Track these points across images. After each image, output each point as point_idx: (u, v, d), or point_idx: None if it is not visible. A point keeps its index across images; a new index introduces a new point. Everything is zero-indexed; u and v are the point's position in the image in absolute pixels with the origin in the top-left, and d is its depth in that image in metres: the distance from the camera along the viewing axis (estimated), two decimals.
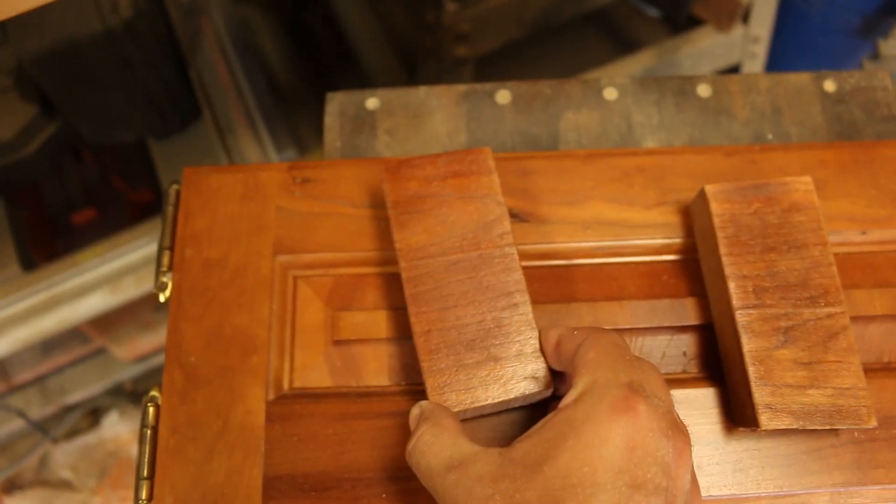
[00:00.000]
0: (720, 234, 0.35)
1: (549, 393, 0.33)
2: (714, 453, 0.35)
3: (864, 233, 0.38)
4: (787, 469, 0.35)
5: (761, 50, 0.83)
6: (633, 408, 0.27)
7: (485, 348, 0.33)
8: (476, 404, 0.32)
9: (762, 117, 0.42)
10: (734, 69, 0.87)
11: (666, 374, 0.36)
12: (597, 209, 0.38)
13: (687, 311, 0.37)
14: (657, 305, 0.37)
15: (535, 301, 0.37)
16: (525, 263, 0.38)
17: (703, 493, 0.34)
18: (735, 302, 0.34)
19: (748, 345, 0.33)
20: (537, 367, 0.33)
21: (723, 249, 0.35)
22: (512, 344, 0.33)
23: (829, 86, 0.43)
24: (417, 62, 0.78)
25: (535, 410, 0.35)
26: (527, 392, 0.33)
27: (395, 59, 0.82)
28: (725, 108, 0.43)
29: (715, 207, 0.35)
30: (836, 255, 0.38)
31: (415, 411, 0.32)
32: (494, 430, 0.35)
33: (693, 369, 0.37)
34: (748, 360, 0.33)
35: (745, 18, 0.83)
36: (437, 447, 0.29)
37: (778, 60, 0.90)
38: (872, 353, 0.37)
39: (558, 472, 0.26)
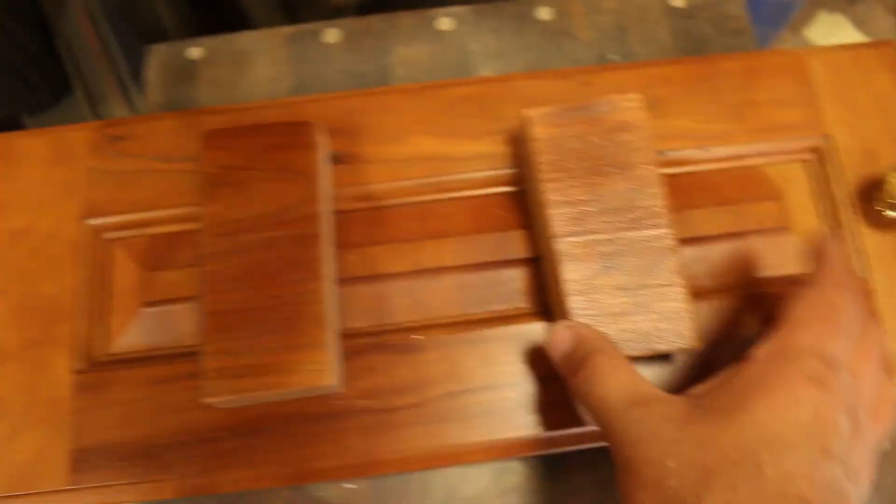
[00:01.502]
0: (540, 160, 0.33)
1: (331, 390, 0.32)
2: (548, 390, 0.34)
3: (704, 150, 0.37)
4: None
5: None
6: (826, 384, 0.26)
7: (276, 332, 0.31)
8: (244, 393, 0.31)
9: (606, 38, 0.41)
10: None
11: (495, 310, 0.35)
12: (421, 144, 0.37)
13: (516, 245, 0.36)
14: (485, 240, 0.36)
15: (356, 245, 0.36)
16: (345, 207, 0.36)
17: (533, 430, 0.33)
18: (554, 230, 0.33)
19: (567, 274, 0.32)
20: (326, 358, 0.31)
21: (542, 175, 0.33)
22: (303, 330, 0.31)
23: (677, 1, 0.42)
24: (299, 15, 0.76)
25: None
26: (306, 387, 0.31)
27: (283, 14, 0.79)
28: (567, 31, 0.41)
29: (535, 132, 0.34)
30: (676, 175, 0.37)
31: (564, 333, 0.31)
32: None
33: (524, 304, 0.35)
34: (567, 290, 0.32)
35: None
36: (616, 380, 0.29)
37: None
38: (713, 275, 0.36)
39: (754, 423, 0.25)
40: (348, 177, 0.36)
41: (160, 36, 0.43)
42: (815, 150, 0.38)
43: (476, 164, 0.36)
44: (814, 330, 0.28)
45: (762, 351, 0.28)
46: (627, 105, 0.34)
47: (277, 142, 0.34)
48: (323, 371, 0.31)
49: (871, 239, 0.37)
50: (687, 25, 0.41)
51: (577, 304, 0.32)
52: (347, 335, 0.34)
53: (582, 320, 0.32)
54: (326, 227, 0.34)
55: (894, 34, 1.39)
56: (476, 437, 0.34)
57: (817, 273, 0.30)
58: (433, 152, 0.36)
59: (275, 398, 0.32)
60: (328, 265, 0.33)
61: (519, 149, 0.36)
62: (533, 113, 0.34)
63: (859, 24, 1.34)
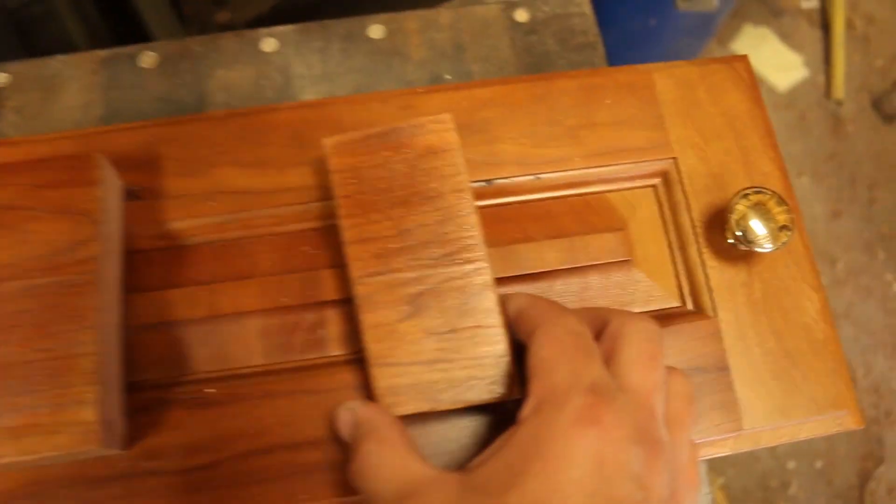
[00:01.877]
0: (338, 194, 0.31)
1: None
2: None
3: (537, 177, 0.34)
4: (461, 454, 0.31)
5: None
6: (598, 418, 0.24)
7: (41, 389, 0.28)
8: (3, 459, 0.27)
9: (441, 56, 0.38)
10: None
11: (303, 360, 0.32)
12: (223, 177, 0.34)
13: (326, 285, 0.32)
14: (291, 280, 0.33)
15: (149, 288, 0.33)
16: (141, 246, 0.33)
17: (340, 496, 0.30)
18: (354, 272, 0.30)
19: (367, 320, 0.29)
20: (92, 417, 0.28)
21: (341, 211, 0.30)
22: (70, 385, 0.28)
23: (521, 15, 0.39)
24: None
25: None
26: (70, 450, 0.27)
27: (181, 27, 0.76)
28: (399, 50, 0.38)
29: (334, 163, 0.31)
30: (505, 205, 0.34)
31: (345, 416, 0.29)
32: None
33: (336, 351, 0.32)
34: (367, 337, 0.29)
35: None
36: (385, 470, 0.27)
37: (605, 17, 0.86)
38: None
39: (526, 502, 0.23)
40: (144, 214, 0.33)
41: None
42: (661, 174, 0.35)
43: (284, 198, 0.33)
44: (563, 364, 0.26)
45: (527, 409, 0.25)
46: (435, 127, 0.31)
47: (54, 178, 0.31)
48: (89, 432, 0.28)
49: (716, 272, 0.34)
50: (530, 41, 0.39)
51: (378, 352, 0.29)
52: (134, 388, 0.31)
53: (386, 370, 0.29)
54: (110, 271, 0.31)
55: (820, 46, 1.37)
56: (280, 499, 0.30)
57: (535, 317, 0.28)
58: (236, 186, 0.33)
59: (45, 462, 0.29)
60: (107, 313, 0.30)
61: (325, 180, 0.33)
62: (329, 142, 0.31)
63: (784, 36, 1.33)
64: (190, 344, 0.32)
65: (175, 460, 0.31)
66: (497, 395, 0.29)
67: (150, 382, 0.32)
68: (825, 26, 1.38)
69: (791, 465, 1.22)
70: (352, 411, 0.29)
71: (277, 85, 0.37)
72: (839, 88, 1.35)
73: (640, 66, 0.36)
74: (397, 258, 0.30)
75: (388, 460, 0.27)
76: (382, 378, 0.29)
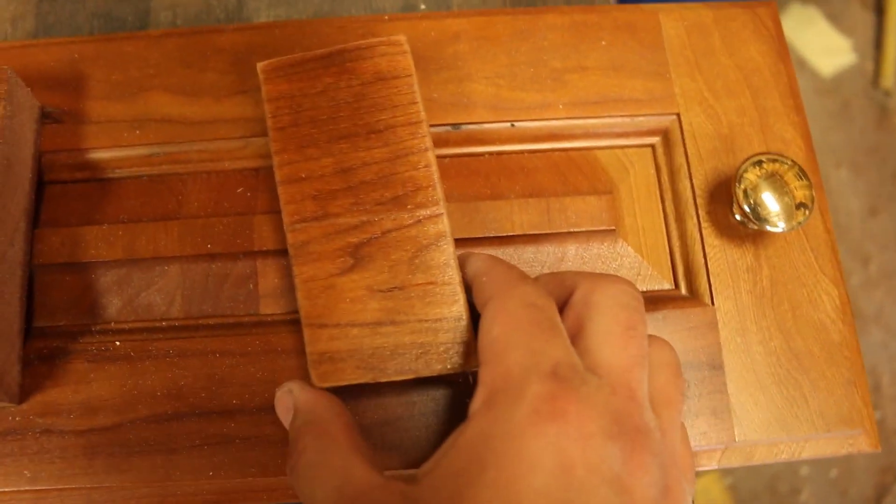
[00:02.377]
0: (271, 126, 0.26)
1: None
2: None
3: (512, 125, 0.30)
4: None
5: None
6: (562, 410, 0.20)
7: None
8: None
9: None
10: None
11: (229, 316, 0.28)
12: (154, 103, 0.30)
13: (260, 232, 0.28)
14: (220, 225, 0.28)
15: (61, 224, 0.29)
16: (55, 176, 0.29)
17: (260, 473, 0.27)
18: (287, 216, 0.26)
19: (301, 273, 0.25)
20: None
21: (274, 146, 0.26)
22: None
23: None
24: None
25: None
26: None
27: None
28: None
29: (267, 90, 0.27)
30: (474, 155, 0.30)
31: (284, 399, 0.25)
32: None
33: (268, 308, 0.28)
34: (301, 293, 0.25)
35: None
36: (322, 472, 0.22)
37: None
38: None
39: None
40: (63, 139, 0.29)
41: None
42: (660, 132, 0.31)
43: (219, 131, 0.29)
44: (518, 345, 0.21)
45: (477, 401, 0.21)
46: (386, 49, 0.27)
47: None
48: None
49: (717, 252, 0.29)
50: None
51: (312, 310, 0.25)
52: (35, 335, 0.28)
53: (320, 332, 0.25)
54: (12, 200, 0.27)
55: (871, 30, 1.29)
56: (187, 473, 0.27)
57: (489, 285, 0.24)
58: (168, 114, 0.29)
59: None
60: (4, 247, 0.26)
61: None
62: (263, 66, 0.27)
63: (833, 18, 1.25)
64: (102, 289, 0.28)
65: (73, 419, 0.27)
66: (452, 366, 0.25)
67: (54, 329, 0.28)
68: (879, 9, 1.30)
69: (804, 471, 1.17)
70: (290, 394, 0.25)
71: (230, 6, 0.33)
72: (889, 77, 1.27)
73: (646, 6, 0.31)
74: (337, 201, 0.26)
75: (327, 460, 0.22)
76: (316, 341, 0.25)
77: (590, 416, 0.20)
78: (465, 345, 0.25)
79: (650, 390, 0.22)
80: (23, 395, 0.27)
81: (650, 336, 0.24)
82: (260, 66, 0.27)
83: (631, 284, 0.24)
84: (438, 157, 0.29)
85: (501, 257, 0.28)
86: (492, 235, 0.29)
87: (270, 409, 0.27)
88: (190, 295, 0.28)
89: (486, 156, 0.30)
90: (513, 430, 0.20)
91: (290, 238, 0.26)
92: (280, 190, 0.26)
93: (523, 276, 0.24)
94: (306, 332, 0.25)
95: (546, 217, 0.29)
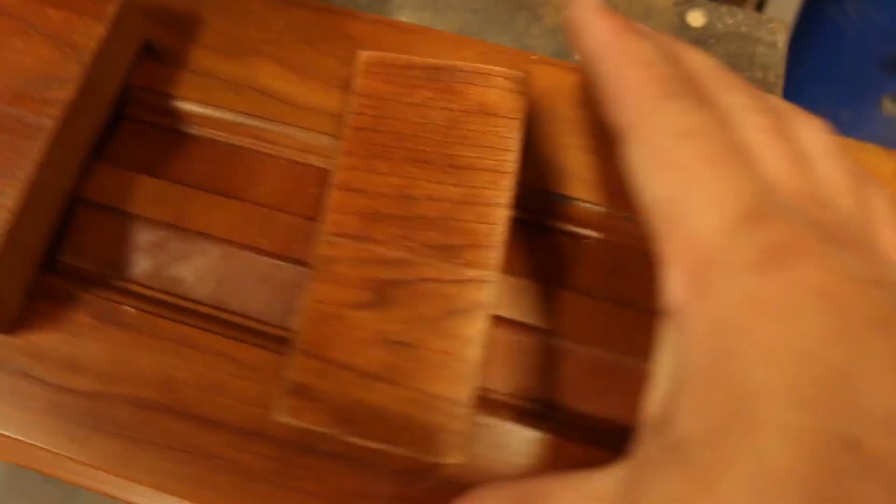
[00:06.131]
0: (351, 123, 0.24)
1: None
2: (269, 448, 0.24)
3: (629, 219, 0.26)
4: None
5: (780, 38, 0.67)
6: (786, 250, 0.16)
7: None
8: None
9: None
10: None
11: (250, 320, 0.26)
12: (261, 71, 0.28)
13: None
14: (280, 221, 0.26)
15: (120, 164, 0.27)
16: (134, 114, 0.28)
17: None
18: (326, 224, 0.23)
19: (315, 290, 0.22)
20: None
21: (343, 145, 0.24)
22: None
23: (696, 18, 0.31)
24: None
25: None
26: None
27: None
28: (532, 7, 0.31)
29: (362, 84, 0.24)
30: (570, 234, 0.26)
31: None
32: None
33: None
34: (305, 312, 0.22)
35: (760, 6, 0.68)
36: None
37: (796, 79, 0.73)
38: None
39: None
40: (156, 79, 0.28)
41: None
42: None
43: (315, 121, 0.27)
44: (700, 199, 0.17)
45: (676, 291, 0.17)
46: (501, 83, 0.24)
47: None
48: None
49: None
50: None
51: (310, 335, 0.22)
52: (56, 270, 0.26)
53: (309, 362, 0.22)
54: (81, 126, 0.26)
55: None
56: (142, 472, 0.24)
57: (619, 102, 0.19)
58: (272, 87, 0.27)
59: None
60: (53, 171, 0.25)
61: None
62: (364, 56, 0.24)
63: None
64: (136, 247, 0.26)
65: (54, 371, 0.25)
66: (429, 455, 0.21)
67: (74, 270, 0.26)
68: None
69: None
70: None
71: None
72: None
73: None
74: (385, 227, 0.23)
75: None
76: (301, 370, 0.22)
77: (811, 240, 0.16)
78: (456, 436, 0.21)
79: (823, 185, 0.19)
80: (15, 326, 0.25)
81: (793, 120, 0.20)
82: (363, 55, 0.24)
83: (739, 78, 0.20)
84: (521, 223, 0.26)
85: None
86: (539, 326, 0.25)
87: (258, 435, 0.24)
88: (223, 284, 0.26)
89: (584, 239, 0.26)
90: (751, 301, 0.16)
91: (318, 248, 0.23)
92: (331, 194, 0.23)
93: (666, 81, 0.18)
94: (294, 357, 0.22)
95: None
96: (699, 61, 0.21)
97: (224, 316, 0.26)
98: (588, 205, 0.26)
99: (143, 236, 0.27)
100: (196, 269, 0.26)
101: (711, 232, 0.16)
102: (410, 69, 0.24)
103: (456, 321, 0.22)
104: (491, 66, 0.24)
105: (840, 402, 0.15)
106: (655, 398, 0.17)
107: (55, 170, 0.25)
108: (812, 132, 0.20)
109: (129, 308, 0.25)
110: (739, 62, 0.30)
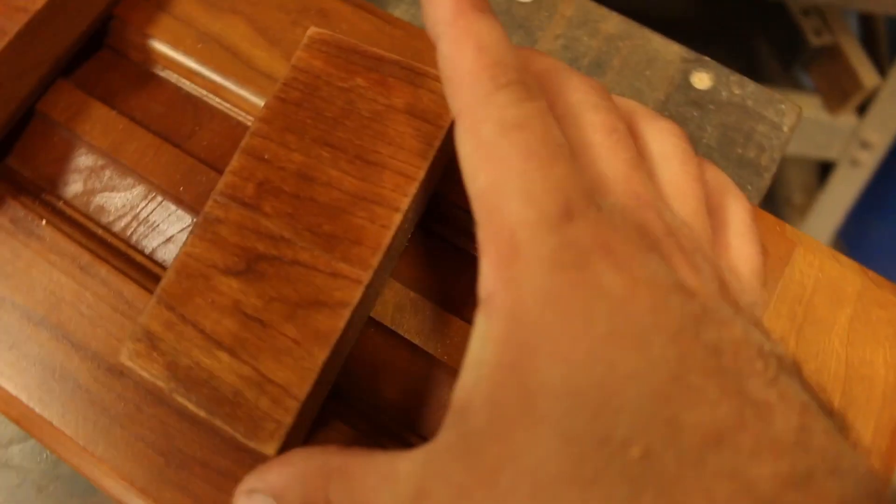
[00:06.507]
0: (276, 93, 0.23)
1: None
2: (127, 390, 0.24)
3: None
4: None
5: (869, 161, 0.63)
6: (587, 250, 0.16)
7: None
8: None
9: (573, 63, 0.29)
10: (826, 166, 0.68)
11: (155, 264, 0.26)
12: (232, 30, 0.28)
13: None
14: (203, 175, 0.26)
15: (85, 88, 0.28)
16: (113, 44, 0.29)
17: None
18: (221, 185, 0.23)
19: (190, 246, 0.22)
20: None
21: (262, 112, 0.23)
22: None
23: (701, 80, 0.29)
24: None
25: None
26: None
27: None
28: (539, 26, 0.30)
29: (299, 58, 0.24)
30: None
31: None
32: None
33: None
34: (174, 264, 0.22)
35: (862, 110, 0.64)
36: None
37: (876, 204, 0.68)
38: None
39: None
40: (136, 14, 0.28)
41: None
42: None
43: (270, 88, 0.27)
44: (512, 191, 0.17)
45: (487, 277, 0.17)
46: (436, 87, 0.23)
47: None
48: None
49: None
50: (686, 112, 0.28)
51: (172, 288, 0.22)
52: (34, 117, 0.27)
53: (164, 313, 0.21)
54: (51, 42, 0.27)
55: None
56: None
57: (450, 91, 0.18)
58: (238, 47, 0.28)
59: None
60: (16, 81, 0.26)
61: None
62: (313, 32, 0.24)
63: None
64: (73, 168, 0.27)
65: None
66: (247, 437, 0.21)
67: (10, 173, 0.27)
68: None
69: None
70: (257, 495, 0.20)
71: None
72: None
73: (788, 227, 0.25)
74: (277, 202, 0.22)
75: (351, 484, 0.18)
76: (153, 319, 0.21)
77: (617, 241, 0.16)
78: (278, 426, 0.20)
79: (661, 188, 0.20)
80: None
81: (642, 123, 0.21)
82: (311, 30, 0.24)
83: (589, 79, 0.20)
84: (435, 239, 0.25)
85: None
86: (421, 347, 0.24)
87: (122, 375, 0.24)
88: (137, 223, 0.27)
89: None
90: (546, 297, 0.16)
91: (207, 207, 0.22)
92: (236, 156, 0.23)
93: (499, 69, 0.18)
94: (151, 304, 0.22)
95: None
96: (550, 61, 0.21)
97: (129, 252, 0.26)
98: None
99: (83, 160, 0.27)
100: (117, 204, 0.27)
101: (520, 225, 0.16)
102: (352, 54, 0.24)
103: (315, 313, 0.21)
104: (430, 69, 0.23)
105: (610, 406, 0.15)
106: (460, 385, 0.17)
107: (9, 74, 0.26)
108: (661, 135, 0.20)
109: (43, 221, 0.26)
110: (734, 136, 0.28)
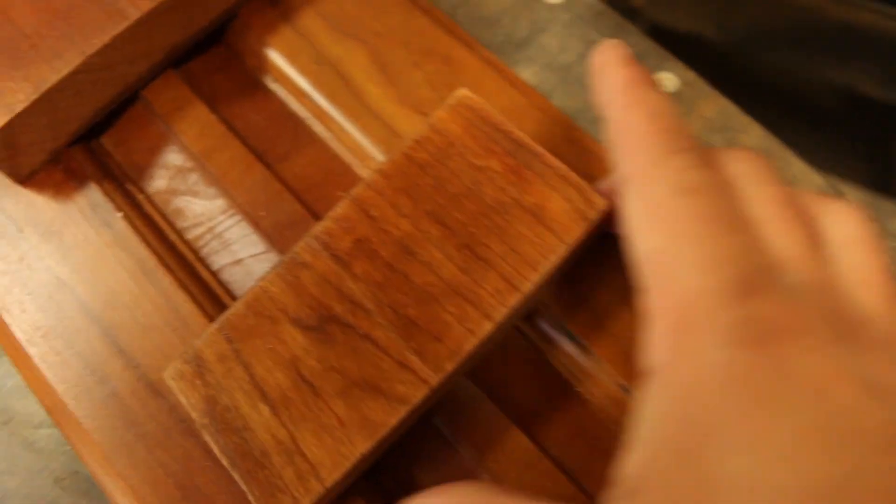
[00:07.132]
0: (405, 148, 0.22)
1: None
2: (160, 411, 0.23)
3: (623, 388, 0.23)
4: None
5: None
6: (773, 330, 0.15)
7: None
8: None
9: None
10: None
11: (228, 298, 0.25)
12: (350, 56, 0.27)
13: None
14: (297, 213, 0.25)
15: (194, 86, 0.27)
16: (231, 44, 0.28)
17: None
18: (319, 227, 0.21)
19: (268, 283, 0.21)
20: None
21: (383, 165, 0.22)
22: None
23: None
24: None
25: None
26: None
27: None
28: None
29: (440, 118, 0.22)
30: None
31: None
32: None
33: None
34: (246, 297, 0.21)
35: None
36: None
37: None
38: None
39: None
40: (258, 21, 0.27)
41: None
42: None
43: (375, 128, 0.26)
44: (688, 258, 0.16)
45: (658, 347, 0.16)
46: (572, 195, 0.21)
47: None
48: None
49: None
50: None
51: (237, 319, 0.20)
52: (84, 147, 0.26)
53: (221, 346, 0.20)
54: (168, 32, 0.26)
55: None
56: None
57: (621, 154, 0.18)
58: (351, 75, 0.26)
59: None
60: (115, 53, 0.25)
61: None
62: (462, 94, 0.22)
63: None
64: (160, 163, 0.26)
65: (31, 240, 0.25)
66: (263, 501, 0.19)
67: (101, 153, 0.27)
68: None
69: None
70: None
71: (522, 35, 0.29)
72: None
73: None
74: (369, 265, 0.21)
75: None
76: (209, 345, 0.20)
77: (808, 324, 0.15)
78: (293, 502, 0.19)
79: (843, 276, 0.17)
80: (26, 182, 0.26)
81: (816, 204, 0.18)
82: (461, 91, 0.22)
83: (751, 150, 0.19)
84: (516, 334, 0.23)
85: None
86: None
87: (158, 393, 0.23)
88: (211, 235, 0.26)
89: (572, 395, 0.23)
90: (726, 375, 0.14)
91: (298, 247, 0.21)
92: (343, 203, 0.21)
93: (673, 135, 0.17)
94: (212, 330, 0.20)
95: None
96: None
97: (195, 265, 0.25)
98: (592, 362, 0.23)
99: (172, 157, 0.27)
100: (196, 210, 0.26)
101: (698, 293, 0.15)
102: (495, 131, 0.22)
103: (370, 399, 0.20)
104: (573, 174, 0.21)
105: None
106: (630, 461, 0.16)
107: (122, 59, 0.25)
108: (841, 216, 0.18)
109: (120, 214, 0.25)
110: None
